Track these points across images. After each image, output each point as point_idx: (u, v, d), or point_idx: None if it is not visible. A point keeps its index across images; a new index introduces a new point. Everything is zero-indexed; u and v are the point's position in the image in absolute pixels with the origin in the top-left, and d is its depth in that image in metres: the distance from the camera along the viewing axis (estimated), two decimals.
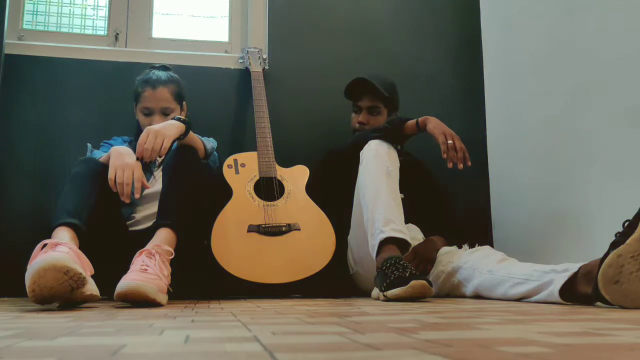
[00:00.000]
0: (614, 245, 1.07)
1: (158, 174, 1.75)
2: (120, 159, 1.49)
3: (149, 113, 1.76)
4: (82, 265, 1.18)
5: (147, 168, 1.78)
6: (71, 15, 2.25)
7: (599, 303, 1.12)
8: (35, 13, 2.21)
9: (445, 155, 1.59)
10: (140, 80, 1.79)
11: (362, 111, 1.95)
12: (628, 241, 1.04)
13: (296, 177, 1.87)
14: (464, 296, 1.56)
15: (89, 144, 1.73)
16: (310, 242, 1.67)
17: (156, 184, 1.72)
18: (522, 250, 1.93)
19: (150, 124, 1.61)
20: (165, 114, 1.76)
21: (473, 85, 2.34)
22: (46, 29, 2.21)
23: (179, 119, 1.56)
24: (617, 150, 1.60)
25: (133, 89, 1.80)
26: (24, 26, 2.17)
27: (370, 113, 1.95)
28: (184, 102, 1.86)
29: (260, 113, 1.94)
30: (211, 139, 1.83)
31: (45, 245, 1.20)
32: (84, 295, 1.16)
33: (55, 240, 1.22)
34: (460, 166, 1.58)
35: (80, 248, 1.26)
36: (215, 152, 1.78)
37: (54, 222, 1.35)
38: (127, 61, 2.11)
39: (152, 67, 1.86)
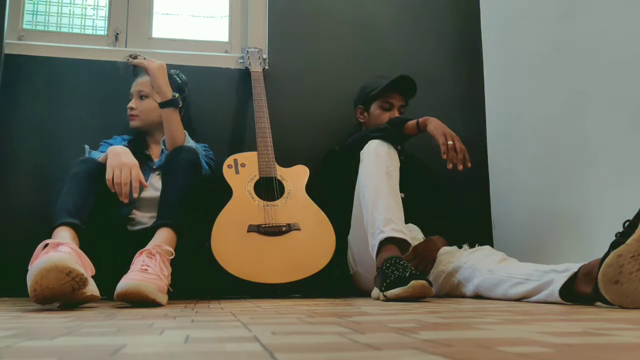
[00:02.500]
0: (614, 245, 1.07)
1: (154, 179, 1.75)
2: (117, 158, 1.49)
3: (131, 98, 1.84)
4: (84, 266, 1.19)
5: (146, 167, 1.79)
6: (71, 15, 2.25)
7: (599, 303, 1.12)
8: (35, 13, 2.21)
9: (445, 156, 1.59)
10: None
11: (394, 108, 1.95)
12: (628, 241, 1.04)
13: (296, 177, 1.87)
14: (464, 296, 1.56)
15: (86, 146, 1.73)
16: (310, 242, 1.67)
17: (152, 189, 1.72)
18: (522, 250, 1.93)
19: (130, 106, 1.81)
20: (141, 97, 1.84)
21: (473, 85, 2.34)
22: (46, 29, 2.21)
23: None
24: (617, 150, 1.60)
25: None
26: (24, 26, 2.17)
27: (400, 111, 1.95)
28: None
29: (260, 113, 1.94)
30: (202, 145, 1.84)
31: (47, 245, 1.20)
32: (85, 296, 1.16)
33: (57, 240, 1.22)
34: (460, 167, 1.58)
35: (80, 248, 1.27)
36: (202, 157, 1.74)
37: (54, 221, 1.35)
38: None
39: None
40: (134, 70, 1.87)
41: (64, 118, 2.02)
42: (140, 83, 1.84)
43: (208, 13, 2.37)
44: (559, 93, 1.86)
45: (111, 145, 1.77)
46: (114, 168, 1.46)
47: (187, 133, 1.74)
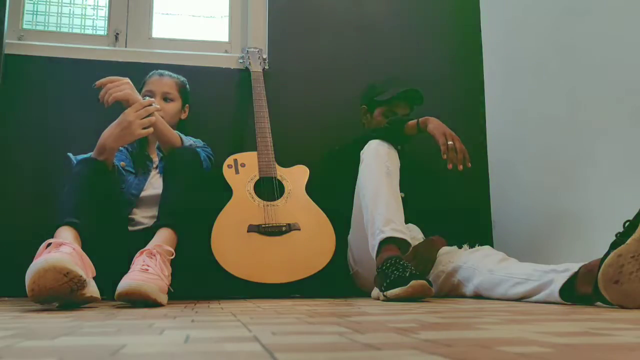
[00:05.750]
0: (614, 245, 1.07)
1: (154, 178, 1.75)
2: (112, 133, 1.48)
3: (150, 96, 1.77)
4: (84, 267, 1.18)
5: (147, 167, 1.79)
6: (71, 15, 2.25)
7: (599, 303, 1.12)
8: (35, 13, 2.21)
9: (445, 157, 1.59)
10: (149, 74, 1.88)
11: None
12: (628, 241, 1.04)
13: (296, 177, 1.87)
14: (464, 296, 1.56)
15: (69, 154, 1.66)
16: (310, 242, 1.67)
17: (152, 188, 1.72)
18: (522, 250, 1.93)
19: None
20: (166, 99, 1.82)
21: (473, 86, 2.34)
22: (46, 29, 2.21)
23: None
24: (617, 150, 1.60)
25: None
26: (24, 26, 2.17)
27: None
28: (187, 105, 1.90)
29: (260, 113, 1.94)
30: (198, 140, 1.82)
31: (50, 244, 1.20)
32: (84, 297, 1.16)
33: (60, 240, 1.22)
34: (460, 167, 1.58)
35: (82, 248, 1.26)
36: (202, 152, 1.71)
37: (57, 221, 1.35)
38: (127, 61, 2.11)
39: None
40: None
41: (64, 118, 2.02)
42: (164, 83, 1.82)
43: (208, 13, 2.37)
44: (559, 93, 1.86)
45: None
46: (118, 130, 1.46)
47: (180, 133, 1.67)
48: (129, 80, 1.53)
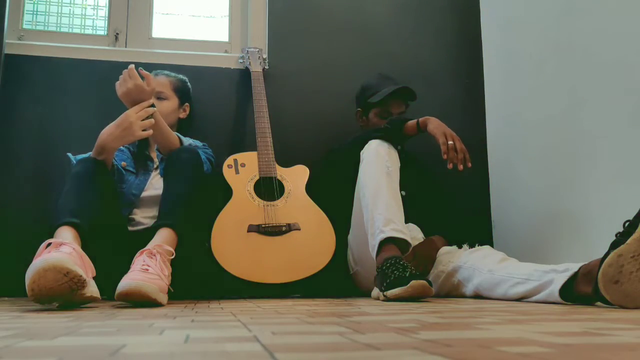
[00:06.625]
0: (614, 245, 1.07)
1: (155, 179, 1.75)
2: (111, 132, 1.49)
3: None
4: (84, 267, 1.18)
5: (147, 167, 1.79)
6: (71, 15, 2.25)
7: (599, 303, 1.12)
8: (35, 13, 2.21)
9: (445, 156, 1.59)
10: None
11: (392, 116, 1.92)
12: (628, 241, 1.04)
13: (296, 177, 1.87)
14: (464, 296, 1.56)
15: (69, 154, 1.66)
16: (310, 242, 1.67)
17: (152, 189, 1.72)
18: (522, 250, 1.93)
19: None
20: (159, 98, 1.81)
21: (473, 85, 2.34)
22: (46, 29, 2.21)
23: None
24: (617, 150, 1.60)
25: None
26: (24, 26, 2.17)
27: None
28: (186, 104, 1.90)
29: (260, 113, 1.94)
30: (197, 141, 1.82)
31: (49, 244, 1.20)
32: (84, 297, 1.16)
33: (60, 240, 1.22)
34: (461, 167, 1.58)
35: (82, 248, 1.26)
36: (202, 153, 1.70)
37: (56, 221, 1.35)
38: (127, 61, 2.10)
39: None
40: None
41: (64, 118, 2.02)
42: (157, 83, 1.81)
43: (208, 13, 2.37)
44: (558, 93, 1.86)
45: None
46: (119, 131, 1.47)
47: (180, 135, 1.68)
48: (136, 79, 1.53)
